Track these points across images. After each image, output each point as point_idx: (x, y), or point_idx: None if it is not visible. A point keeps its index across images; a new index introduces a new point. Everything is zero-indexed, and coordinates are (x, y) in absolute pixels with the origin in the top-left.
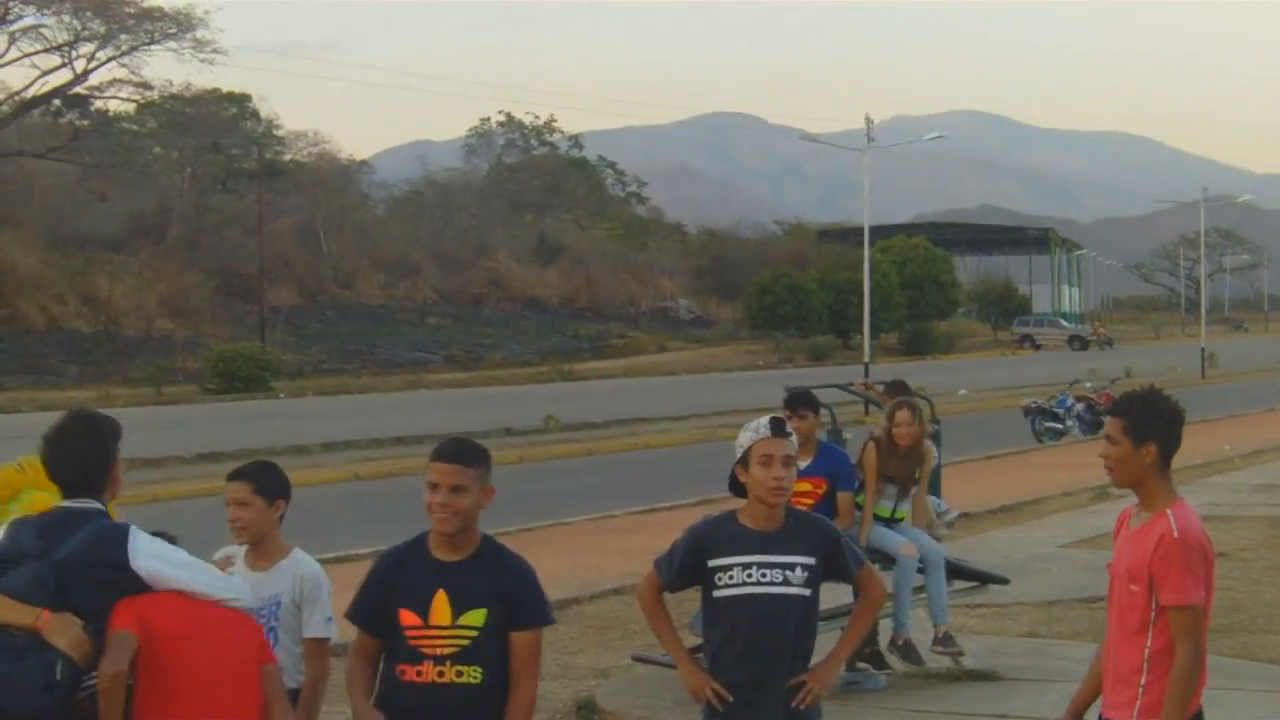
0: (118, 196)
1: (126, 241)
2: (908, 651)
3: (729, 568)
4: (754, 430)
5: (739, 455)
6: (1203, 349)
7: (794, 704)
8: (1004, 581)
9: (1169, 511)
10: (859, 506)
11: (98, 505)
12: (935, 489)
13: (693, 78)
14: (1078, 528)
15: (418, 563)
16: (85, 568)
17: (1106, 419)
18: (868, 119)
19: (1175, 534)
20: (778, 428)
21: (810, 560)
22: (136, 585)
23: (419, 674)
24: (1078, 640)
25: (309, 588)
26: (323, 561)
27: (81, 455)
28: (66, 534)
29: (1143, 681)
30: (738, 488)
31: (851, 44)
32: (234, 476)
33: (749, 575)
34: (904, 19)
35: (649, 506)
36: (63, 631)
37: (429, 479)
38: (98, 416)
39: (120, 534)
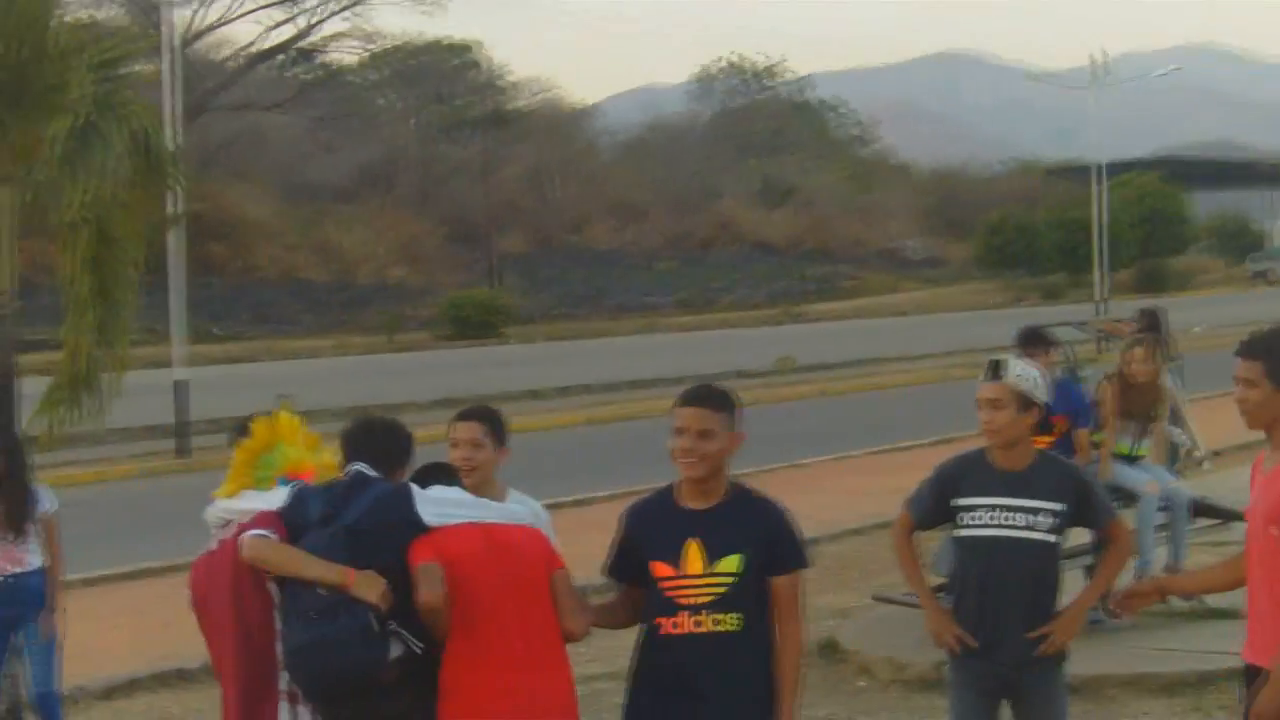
0: (346, 147)
1: (356, 192)
2: None
3: (974, 508)
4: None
5: None
6: None
7: (1035, 653)
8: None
9: None
10: (1098, 445)
11: (376, 473)
12: (1177, 424)
13: (919, 16)
14: None
15: (667, 513)
16: (376, 529)
17: (1239, 361)
18: (1093, 57)
19: None
20: (992, 371)
21: (1059, 506)
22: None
23: (675, 625)
24: None
25: (537, 523)
26: (559, 505)
27: (388, 435)
28: (352, 499)
29: None
30: None
31: None
32: (465, 417)
33: (993, 517)
34: None
35: (886, 446)
36: (371, 586)
37: (674, 425)
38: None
39: (404, 494)
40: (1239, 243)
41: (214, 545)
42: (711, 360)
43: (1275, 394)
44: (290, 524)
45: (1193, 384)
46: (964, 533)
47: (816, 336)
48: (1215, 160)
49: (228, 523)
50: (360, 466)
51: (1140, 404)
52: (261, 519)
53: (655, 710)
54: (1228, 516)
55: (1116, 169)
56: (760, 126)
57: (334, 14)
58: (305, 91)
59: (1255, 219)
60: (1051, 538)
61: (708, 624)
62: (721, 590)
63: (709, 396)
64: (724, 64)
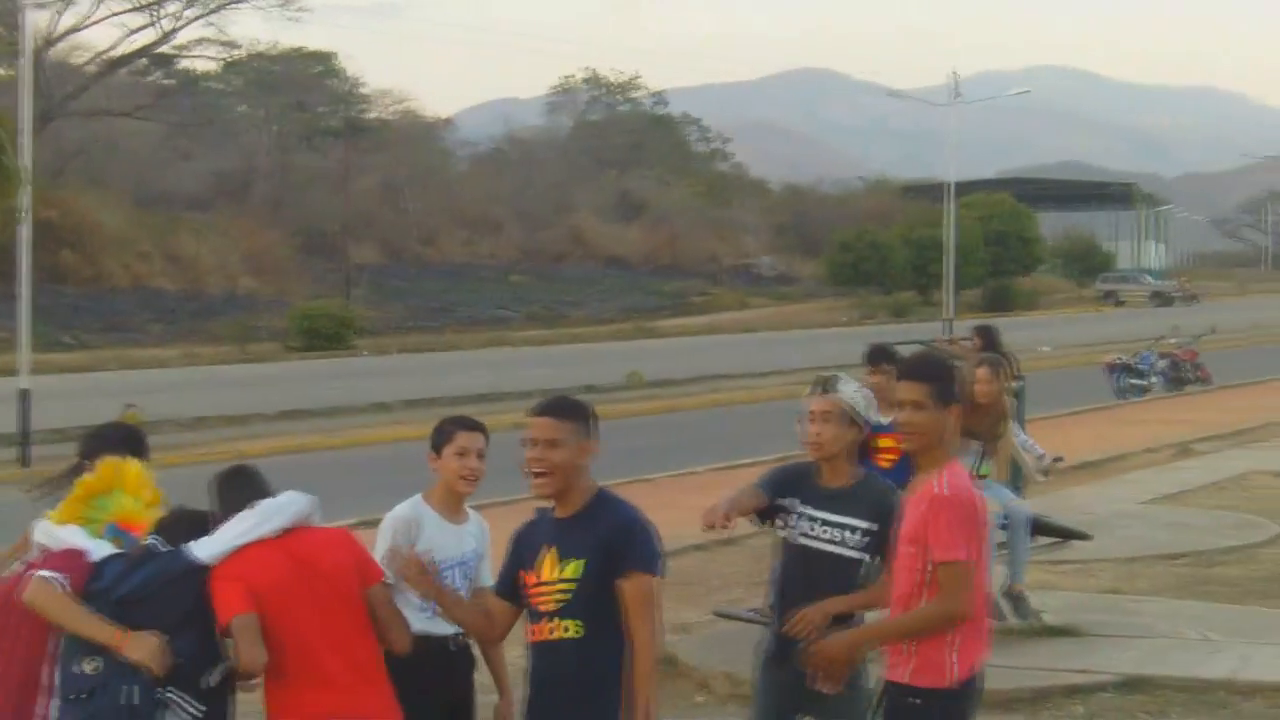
0: (203, 155)
1: (211, 200)
2: (1018, 604)
3: (791, 513)
4: (810, 389)
5: None
6: None
7: (784, 629)
8: (1086, 538)
9: (944, 472)
10: None
11: (174, 549)
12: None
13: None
14: (1160, 484)
15: (541, 523)
16: (151, 594)
17: (903, 384)
18: (953, 75)
19: (946, 492)
20: (823, 386)
21: (873, 526)
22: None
23: (535, 632)
24: (1158, 596)
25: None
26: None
27: (198, 524)
28: (132, 573)
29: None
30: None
31: None
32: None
33: (809, 528)
34: None
35: (731, 463)
36: (142, 647)
37: (524, 435)
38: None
39: (177, 555)
40: (1087, 263)
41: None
42: (561, 374)
43: (941, 415)
44: (88, 583)
45: (1036, 405)
46: (780, 533)
47: (667, 352)
48: (1064, 181)
49: (44, 548)
50: (153, 540)
51: (983, 424)
52: (62, 559)
53: (529, 715)
54: (1067, 535)
55: (968, 188)
56: (617, 141)
57: (194, 20)
58: (163, 98)
59: (1104, 239)
60: (861, 555)
61: (558, 630)
62: (565, 597)
63: (556, 406)
64: (582, 78)
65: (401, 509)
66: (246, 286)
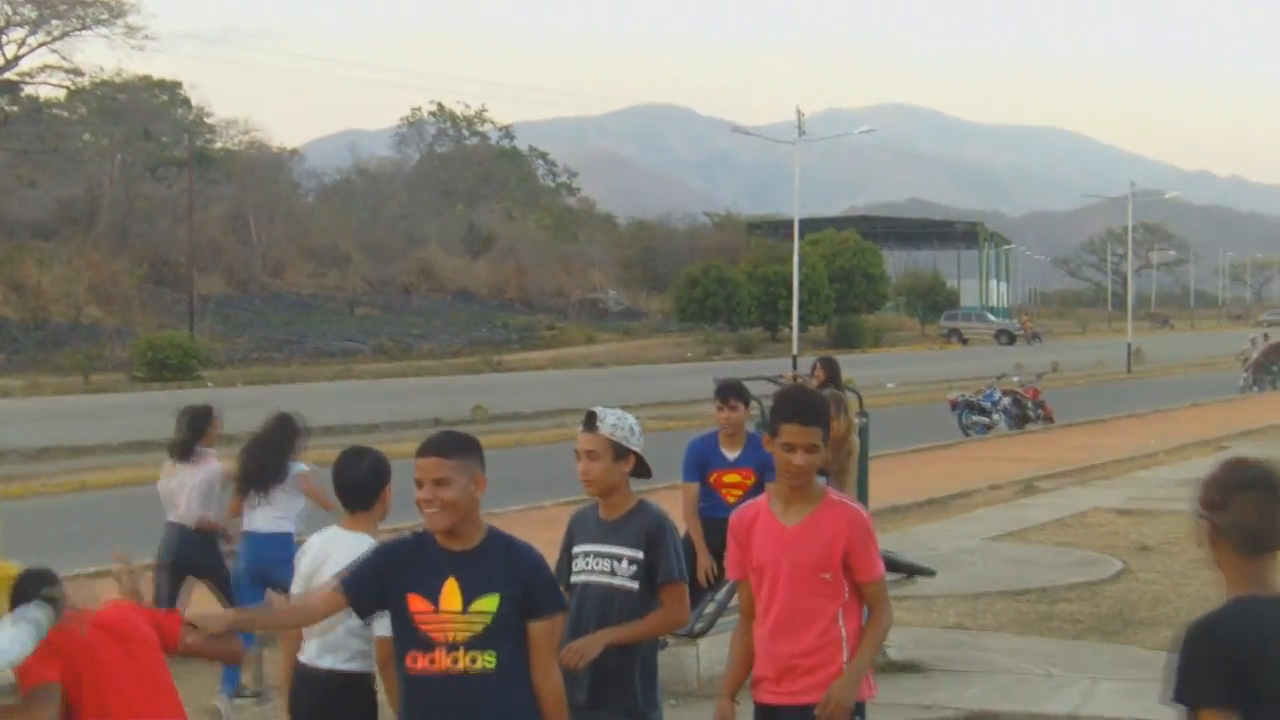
0: (47, 183)
1: (55, 229)
2: None
3: (578, 554)
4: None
5: None
6: (1129, 344)
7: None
8: (930, 574)
9: (838, 499)
10: None
11: None
12: (862, 483)
13: (623, 68)
14: (1004, 521)
15: (426, 551)
16: None
17: (799, 428)
18: (799, 112)
19: (865, 515)
20: (587, 423)
21: (639, 554)
22: None
23: (431, 661)
24: (1002, 632)
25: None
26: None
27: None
28: None
29: None
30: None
31: (782, 35)
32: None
33: (586, 563)
34: (834, 11)
35: (578, 498)
36: None
37: (415, 475)
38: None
39: None
40: (931, 300)
41: None
42: (408, 407)
43: (823, 453)
44: None
45: (881, 442)
46: (571, 578)
47: (514, 386)
48: (910, 219)
49: None
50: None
51: (830, 459)
52: None
53: None
54: (911, 570)
55: (815, 225)
56: (465, 173)
57: (38, 46)
58: (6, 125)
59: (949, 277)
60: (634, 584)
61: (464, 661)
62: (479, 629)
63: (441, 444)
64: (429, 110)
65: (365, 548)
66: (91, 316)
